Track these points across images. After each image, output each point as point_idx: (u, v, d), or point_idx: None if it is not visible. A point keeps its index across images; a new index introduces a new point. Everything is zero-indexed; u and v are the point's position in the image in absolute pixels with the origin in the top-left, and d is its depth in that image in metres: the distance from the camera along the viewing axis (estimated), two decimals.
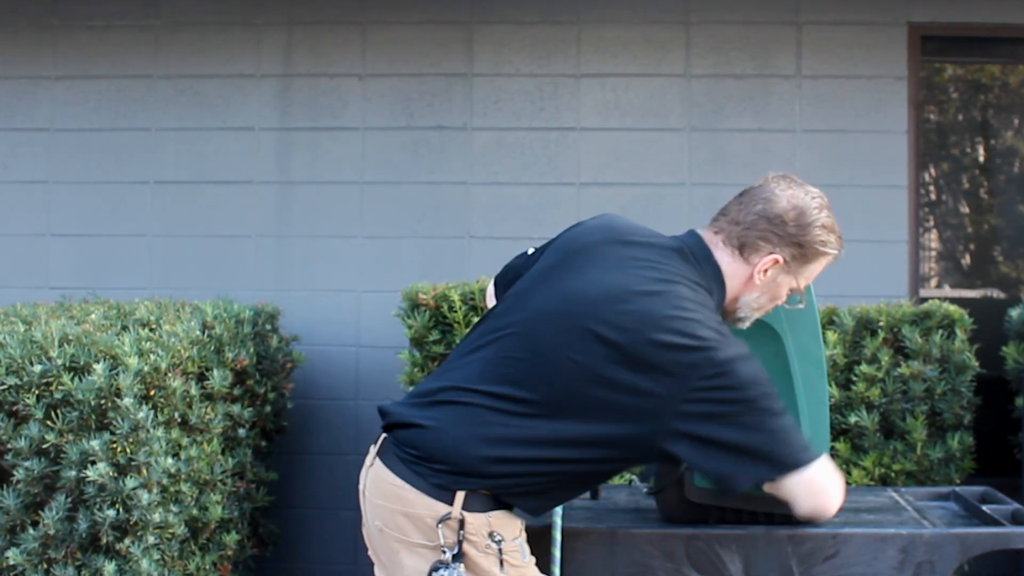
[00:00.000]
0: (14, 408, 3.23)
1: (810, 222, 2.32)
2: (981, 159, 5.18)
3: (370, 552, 2.36)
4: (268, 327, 4.21)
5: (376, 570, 2.35)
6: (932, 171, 5.08)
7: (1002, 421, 4.15)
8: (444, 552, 2.15)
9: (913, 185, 4.70)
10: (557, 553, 2.46)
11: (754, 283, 2.31)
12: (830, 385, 3.84)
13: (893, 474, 3.85)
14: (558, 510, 2.52)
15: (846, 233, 4.70)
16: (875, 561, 2.46)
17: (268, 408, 4.10)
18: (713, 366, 2.10)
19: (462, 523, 2.16)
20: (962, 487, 2.99)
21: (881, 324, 3.92)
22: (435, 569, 2.15)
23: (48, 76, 4.90)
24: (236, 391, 3.87)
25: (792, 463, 2.16)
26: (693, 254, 2.29)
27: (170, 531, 3.36)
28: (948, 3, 4.69)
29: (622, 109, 4.75)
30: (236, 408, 3.83)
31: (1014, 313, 4.07)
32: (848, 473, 3.85)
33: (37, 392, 3.21)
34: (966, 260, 5.16)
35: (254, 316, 4.09)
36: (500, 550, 2.18)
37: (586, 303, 2.19)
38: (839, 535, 2.48)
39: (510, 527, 2.22)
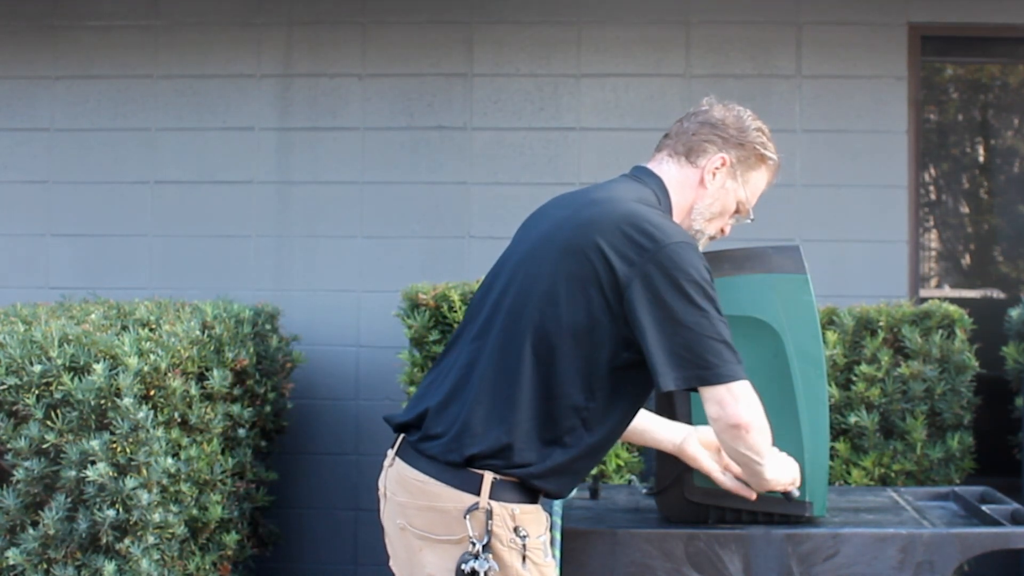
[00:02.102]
0: (14, 408, 3.23)
1: (748, 126, 2.45)
2: (981, 159, 5.18)
3: (392, 563, 2.37)
4: (268, 327, 4.21)
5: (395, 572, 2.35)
6: (932, 171, 5.08)
7: (1002, 421, 4.15)
8: (473, 544, 2.16)
9: (913, 185, 4.70)
10: (557, 553, 2.46)
11: (705, 187, 2.42)
12: (830, 385, 3.84)
13: (893, 474, 3.85)
14: (558, 510, 2.52)
15: (846, 233, 4.73)
16: (875, 561, 2.46)
17: (268, 408, 4.10)
18: (668, 248, 2.19)
19: (489, 514, 2.17)
20: (962, 487, 2.99)
21: (881, 324, 3.92)
22: (464, 561, 2.15)
23: (48, 76, 4.90)
24: (236, 391, 3.87)
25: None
26: (636, 176, 2.43)
27: (170, 531, 3.36)
28: (948, 3, 4.69)
29: (622, 109, 4.75)
30: (236, 408, 3.83)
31: (1014, 313, 4.07)
32: (848, 473, 3.86)
33: (37, 392, 3.21)
34: (966, 260, 5.16)
35: (254, 316, 4.09)
36: (524, 546, 2.19)
37: (548, 239, 2.28)
38: (839, 535, 2.48)
39: (536, 524, 2.23)
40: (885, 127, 4.66)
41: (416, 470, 2.23)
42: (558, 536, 2.47)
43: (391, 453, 2.32)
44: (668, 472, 2.56)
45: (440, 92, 4.79)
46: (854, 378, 3.88)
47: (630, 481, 3.45)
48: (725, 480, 2.48)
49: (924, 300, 4.30)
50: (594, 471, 3.60)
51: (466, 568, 2.15)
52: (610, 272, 2.18)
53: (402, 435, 2.32)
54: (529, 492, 2.23)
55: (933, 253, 5.11)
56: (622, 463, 3.82)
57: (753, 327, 2.48)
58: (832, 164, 4.66)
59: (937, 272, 5.12)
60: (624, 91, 4.74)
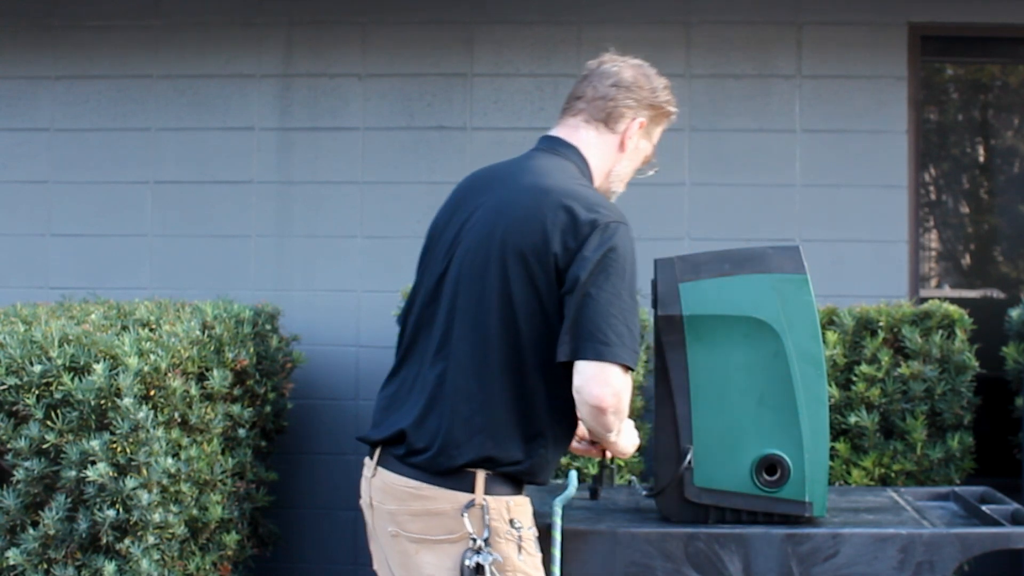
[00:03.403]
0: (14, 408, 3.24)
1: (655, 84, 2.49)
2: (981, 159, 5.18)
3: (376, 565, 2.39)
4: (268, 327, 4.21)
5: None
6: (932, 171, 5.08)
7: (1002, 421, 4.15)
8: (474, 540, 2.18)
9: (913, 185, 4.70)
10: (557, 553, 2.46)
11: (624, 151, 2.47)
12: (830, 385, 3.84)
13: (893, 474, 3.85)
14: (558, 510, 2.52)
15: (846, 233, 4.73)
16: (875, 561, 2.46)
17: (268, 408, 4.10)
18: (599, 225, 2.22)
19: (485, 509, 2.20)
20: (962, 487, 2.99)
21: (881, 324, 3.92)
22: (468, 557, 2.18)
23: (48, 76, 4.90)
24: (236, 391, 3.87)
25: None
26: (553, 150, 2.43)
27: (170, 531, 3.36)
28: (948, 3, 4.69)
29: None
30: (236, 408, 3.83)
31: (1014, 313, 4.07)
32: (848, 473, 3.86)
33: (37, 392, 3.21)
34: (966, 260, 5.16)
35: (254, 316, 4.09)
36: (520, 536, 2.23)
37: (488, 238, 2.28)
38: (839, 535, 2.48)
39: (527, 515, 2.28)
40: (885, 127, 4.65)
41: (405, 478, 2.25)
42: (558, 536, 2.47)
43: (371, 464, 2.34)
44: (668, 472, 2.56)
45: (440, 92, 4.79)
46: (854, 378, 3.88)
47: (630, 481, 3.45)
48: (576, 445, 2.56)
49: (924, 300, 4.30)
50: (594, 471, 3.61)
51: (471, 563, 2.18)
52: (554, 256, 2.22)
53: (380, 447, 2.33)
54: (518, 483, 2.28)
55: (933, 253, 5.11)
56: (622, 463, 3.82)
57: (753, 327, 2.48)
58: (832, 164, 4.65)
59: (937, 272, 5.12)
60: None
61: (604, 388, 2.19)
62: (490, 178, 2.42)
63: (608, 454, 2.60)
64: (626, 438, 2.47)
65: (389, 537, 2.29)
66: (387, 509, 2.28)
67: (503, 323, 2.23)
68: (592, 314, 2.17)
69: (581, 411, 2.24)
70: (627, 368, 2.20)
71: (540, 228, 2.23)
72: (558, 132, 2.47)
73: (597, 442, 2.51)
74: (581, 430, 2.49)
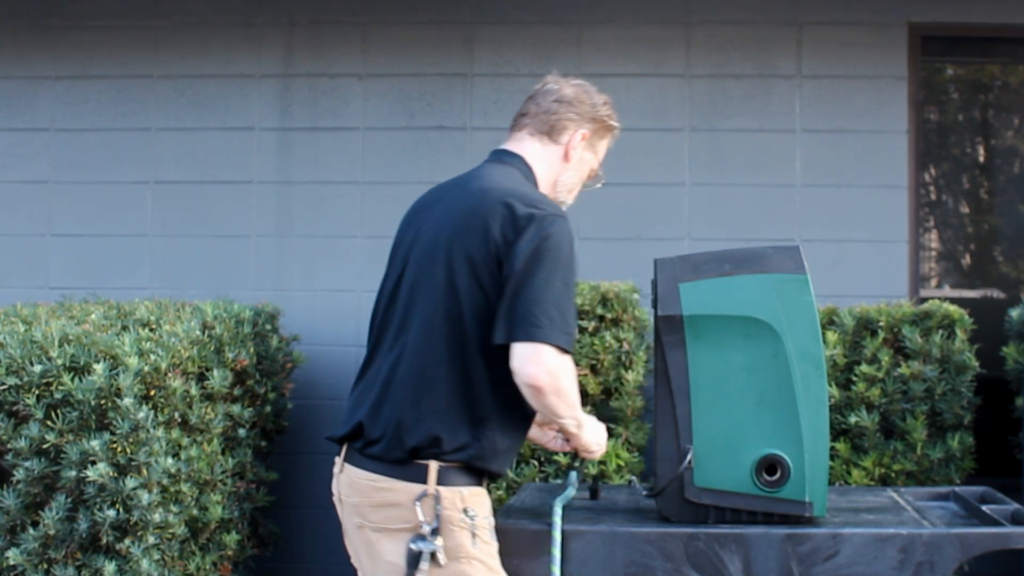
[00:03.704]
0: (14, 408, 3.24)
1: (596, 100, 2.66)
2: (981, 159, 5.18)
3: (352, 559, 2.51)
4: (268, 327, 4.21)
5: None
6: (932, 171, 5.08)
7: (1002, 421, 4.15)
8: (423, 527, 2.29)
9: (913, 185, 4.70)
10: (557, 553, 2.46)
11: (568, 161, 2.60)
12: (830, 385, 3.84)
13: (893, 474, 3.85)
14: (558, 510, 2.52)
15: (846, 233, 4.73)
16: (875, 561, 2.46)
17: (268, 408, 4.10)
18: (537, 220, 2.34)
19: (438, 499, 2.30)
20: (962, 487, 2.99)
21: (881, 324, 3.92)
22: (413, 542, 2.29)
23: (48, 76, 4.90)
24: (236, 391, 3.87)
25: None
26: (500, 160, 2.57)
27: (170, 531, 3.37)
28: (948, 3, 4.69)
29: (622, 109, 4.69)
30: (236, 408, 3.83)
31: (1014, 313, 4.07)
32: (848, 473, 3.85)
33: (37, 392, 3.21)
34: (966, 260, 5.16)
35: (254, 316, 4.09)
36: (474, 524, 2.32)
37: (438, 236, 2.41)
38: (839, 535, 2.48)
39: (482, 505, 2.36)
40: (885, 127, 4.65)
41: (365, 471, 2.39)
42: (558, 536, 2.47)
43: (339, 461, 2.51)
44: (668, 472, 2.56)
45: (440, 92, 4.79)
46: (854, 378, 3.88)
47: (630, 481, 3.44)
48: (551, 443, 2.69)
49: (924, 300, 4.30)
50: (594, 471, 3.61)
51: (414, 548, 2.29)
52: (495, 248, 2.32)
53: (346, 444, 2.48)
54: (475, 474, 2.36)
55: (933, 253, 5.11)
56: (622, 463, 3.82)
57: (753, 327, 2.48)
58: (832, 164, 4.65)
59: (937, 272, 5.12)
60: (624, 91, 4.73)
61: (538, 367, 2.27)
62: (442, 191, 2.59)
63: (577, 453, 2.63)
64: (589, 432, 2.54)
65: (356, 529, 2.42)
66: (352, 502, 2.43)
67: (448, 313, 2.35)
68: (525, 299, 2.28)
69: (524, 393, 2.32)
70: (562, 350, 2.29)
71: (482, 223, 2.35)
72: (505, 145, 2.61)
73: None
74: (540, 416, 2.56)
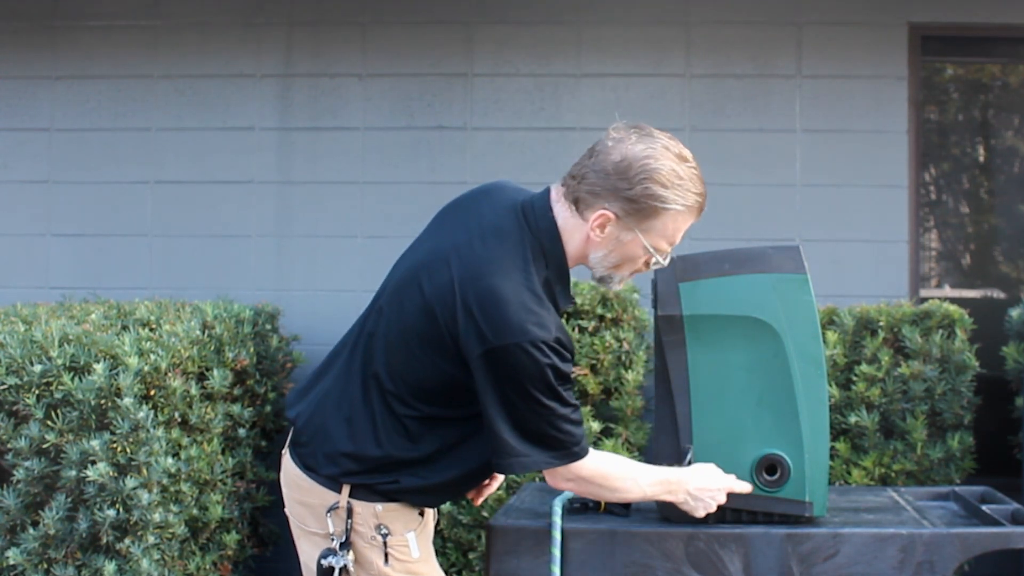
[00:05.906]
0: (14, 408, 3.24)
1: (636, 175, 2.15)
2: (981, 159, 5.18)
3: None
4: (268, 327, 4.21)
5: None
6: (932, 171, 5.08)
7: (1002, 421, 4.15)
8: (333, 540, 2.23)
9: (913, 185, 4.70)
10: (557, 553, 2.46)
11: (593, 240, 2.21)
12: (830, 385, 3.84)
13: (893, 474, 3.85)
14: (558, 510, 2.52)
15: (846, 233, 4.72)
16: (875, 561, 2.46)
17: (268, 408, 4.11)
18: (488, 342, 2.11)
19: (350, 512, 2.23)
20: (962, 487, 2.99)
21: (881, 324, 3.92)
22: (324, 556, 2.23)
23: (48, 76, 4.90)
24: (236, 391, 3.87)
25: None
26: (534, 211, 2.24)
27: (170, 531, 3.37)
28: (948, 3, 4.69)
29: (622, 109, 4.73)
30: (236, 408, 3.83)
31: (1014, 313, 4.07)
32: (848, 473, 3.85)
33: (37, 392, 3.21)
34: (966, 260, 5.16)
35: (254, 316, 4.09)
36: (385, 543, 2.23)
37: (414, 284, 2.24)
38: (839, 535, 2.48)
39: (399, 521, 2.26)
40: (885, 127, 4.65)
41: (295, 465, 2.34)
42: (558, 536, 2.47)
43: (287, 445, 2.42)
44: None
45: (440, 92, 4.79)
46: (854, 378, 3.88)
47: None
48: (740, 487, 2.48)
49: (924, 300, 4.30)
50: None
51: (324, 563, 2.22)
52: (451, 339, 2.15)
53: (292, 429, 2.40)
54: (393, 497, 2.27)
55: (933, 253, 5.11)
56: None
57: (753, 327, 2.48)
58: (832, 164, 4.65)
59: (937, 272, 5.12)
60: (624, 91, 4.74)
61: (568, 484, 2.28)
62: (457, 216, 2.32)
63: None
64: (688, 490, 2.42)
65: (289, 516, 2.39)
66: (284, 491, 2.40)
67: (386, 361, 2.22)
68: (501, 432, 2.14)
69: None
70: (573, 458, 2.22)
71: (441, 310, 2.15)
72: (553, 193, 2.27)
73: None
74: None
